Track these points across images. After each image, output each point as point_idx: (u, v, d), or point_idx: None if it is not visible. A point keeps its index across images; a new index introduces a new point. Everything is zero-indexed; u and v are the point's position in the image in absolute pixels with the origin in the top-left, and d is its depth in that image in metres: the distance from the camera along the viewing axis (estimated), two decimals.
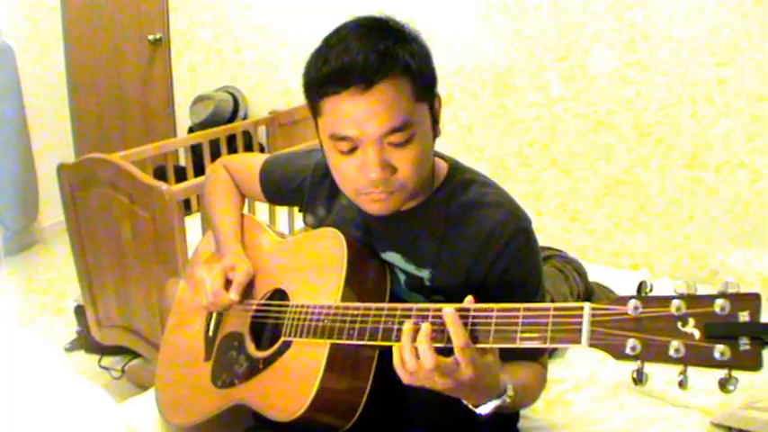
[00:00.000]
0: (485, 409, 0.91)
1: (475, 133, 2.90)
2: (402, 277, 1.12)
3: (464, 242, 1.06)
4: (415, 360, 0.86)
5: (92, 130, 3.93)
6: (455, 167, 1.14)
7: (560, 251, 2.20)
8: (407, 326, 0.88)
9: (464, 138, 2.90)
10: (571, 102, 2.70)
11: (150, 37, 3.78)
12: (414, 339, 0.87)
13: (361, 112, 0.94)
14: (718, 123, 2.44)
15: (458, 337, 0.85)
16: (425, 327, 0.86)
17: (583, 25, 2.60)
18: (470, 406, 0.93)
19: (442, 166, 1.13)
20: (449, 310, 0.86)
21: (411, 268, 1.10)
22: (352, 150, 0.98)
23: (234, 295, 1.19)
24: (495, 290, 1.05)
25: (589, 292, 2.10)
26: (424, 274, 1.09)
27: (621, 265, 2.66)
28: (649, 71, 2.52)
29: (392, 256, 1.12)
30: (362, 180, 0.99)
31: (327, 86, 0.96)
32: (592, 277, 2.16)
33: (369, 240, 1.14)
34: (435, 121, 1.06)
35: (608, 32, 2.57)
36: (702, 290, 0.72)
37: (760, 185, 2.43)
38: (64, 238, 2.52)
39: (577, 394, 1.65)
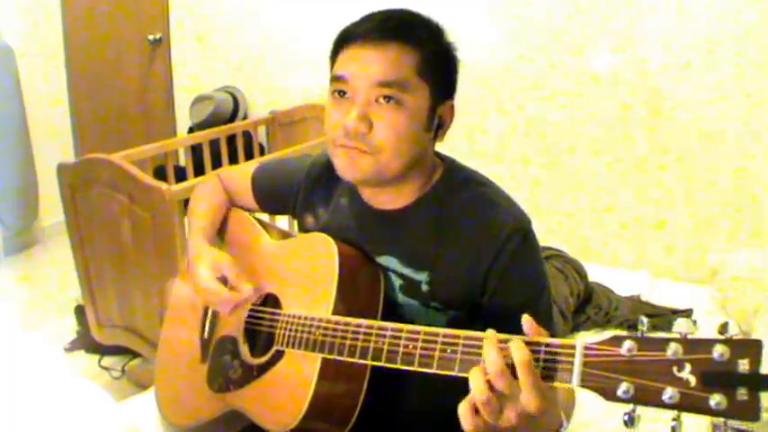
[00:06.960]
0: None
1: (479, 131, 2.91)
2: (398, 282, 1.08)
3: (462, 242, 1.04)
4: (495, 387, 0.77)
5: (92, 130, 3.92)
6: (452, 166, 1.12)
7: (560, 251, 2.20)
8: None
9: (469, 135, 2.90)
10: (574, 101, 2.70)
11: (150, 37, 3.78)
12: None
13: (362, 58, 1.00)
14: (718, 123, 2.45)
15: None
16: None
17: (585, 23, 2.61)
18: None
19: (439, 165, 1.11)
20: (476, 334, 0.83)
21: (408, 271, 1.07)
22: (342, 94, 1.01)
23: (246, 288, 1.18)
24: (496, 295, 1.03)
25: (589, 292, 2.10)
26: (422, 277, 1.06)
27: (621, 265, 2.66)
28: (649, 71, 2.52)
29: (387, 260, 1.09)
30: (341, 128, 1.00)
31: (346, 39, 1.03)
32: (592, 277, 2.16)
33: (364, 243, 1.11)
34: (439, 124, 1.05)
35: (613, 31, 2.57)
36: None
37: (760, 185, 2.43)
38: (64, 238, 2.52)
39: (577, 394, 1.65)
